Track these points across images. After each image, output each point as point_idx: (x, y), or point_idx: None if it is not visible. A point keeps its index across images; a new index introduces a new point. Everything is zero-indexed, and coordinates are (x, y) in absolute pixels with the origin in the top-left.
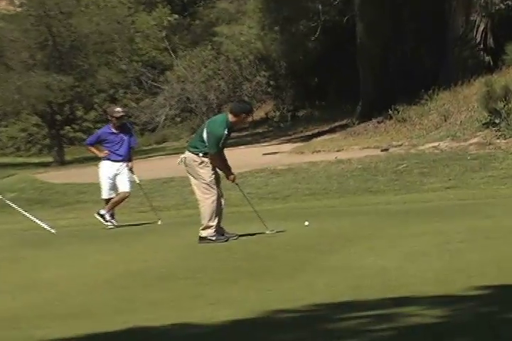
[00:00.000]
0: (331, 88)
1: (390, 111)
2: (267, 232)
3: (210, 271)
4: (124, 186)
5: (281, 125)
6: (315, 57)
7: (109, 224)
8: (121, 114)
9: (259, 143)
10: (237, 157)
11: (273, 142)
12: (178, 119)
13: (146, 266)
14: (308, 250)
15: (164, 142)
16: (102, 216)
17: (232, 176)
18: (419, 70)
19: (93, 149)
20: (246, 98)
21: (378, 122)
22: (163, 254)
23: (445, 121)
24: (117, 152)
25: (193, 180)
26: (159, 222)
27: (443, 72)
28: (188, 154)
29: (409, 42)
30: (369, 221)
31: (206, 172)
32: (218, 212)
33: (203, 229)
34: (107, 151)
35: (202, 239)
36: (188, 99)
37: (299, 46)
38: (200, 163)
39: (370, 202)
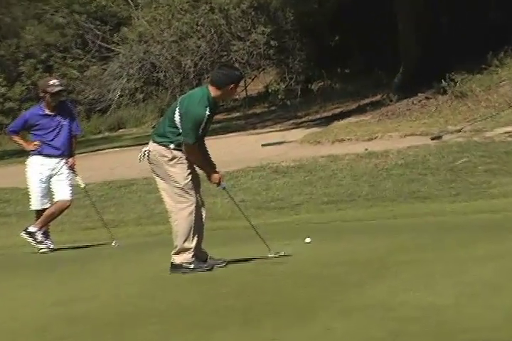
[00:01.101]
0: (359, 50)
1: (444, 83)
2: (270, 256)
3: (188, 312)
4: (62, 193)
5: (288, 103)
6: (336, 5)
7: (41, 246)
8: (59, 88)
9: (256, 128)
10: (225, 149)
11: (276, 127)
12: (140, 96)
13: (95, 307)
14: (328, 282)
15: (121, 128)
16: (31, 235)
17: (216, 176)
18: (485, 26)
19: (18, 139)
20: (237, 65)
21: (427, 98)
22: (119, 289)
23: None
24: (53, 143)
25: (161, 184)
26: (114, 244)
27: None
28: (153, 146)
29: None
30: (414, 239)
31: (180, 172)
32: (198, 228)
33: (176, 254)
34: (37, 142)
35: (176, 266)
36: (153, 66)
37: None
38: (172, 159)
39: (415, 212)
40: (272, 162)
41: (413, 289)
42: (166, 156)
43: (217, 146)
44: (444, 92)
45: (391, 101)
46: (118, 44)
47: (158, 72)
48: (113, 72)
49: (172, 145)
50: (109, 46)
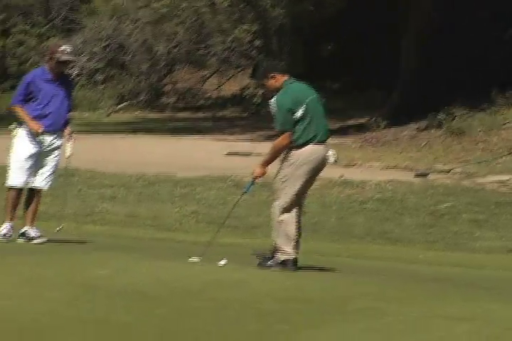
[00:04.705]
0: (351, 63)
1: (440, 115)
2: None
3: (113, 331)
4: (41, 179)
5: (263, 111)
6: (334, 8)
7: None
8: (69, 57)
9: (224, 134)
10: (185, 152)
11: (246, 136)
12: (100, 77)
13: (10, 307)
14: (276, 319)
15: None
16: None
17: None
18: (496, 59)
19: (23, 113)
20: (214, 60)
21: (418, 129)
22: (41, 292)
23: None
24: (51, 116)
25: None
26: (59, 227)
27: None
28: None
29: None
30: (378, 286)
31: None
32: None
33: None
34: (42, 127)
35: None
36: (121, 46)
37: None
38: None
39: (384, 255)
40: (235, 174)
41: None
42: None
43: (176, 147)
44: (439, 126)
45: (378, 126)
46: (85, 16)
47: (125, 54)
48: (74, 48)
49: None
50: (75, 17)
